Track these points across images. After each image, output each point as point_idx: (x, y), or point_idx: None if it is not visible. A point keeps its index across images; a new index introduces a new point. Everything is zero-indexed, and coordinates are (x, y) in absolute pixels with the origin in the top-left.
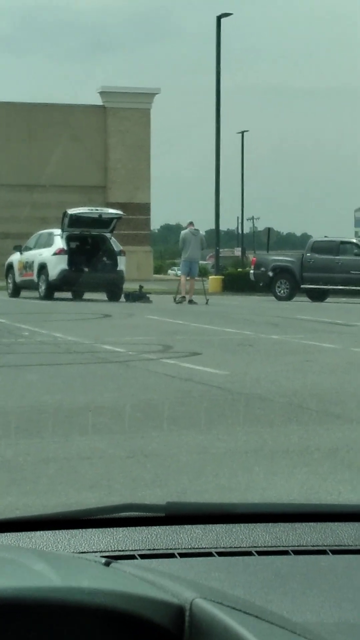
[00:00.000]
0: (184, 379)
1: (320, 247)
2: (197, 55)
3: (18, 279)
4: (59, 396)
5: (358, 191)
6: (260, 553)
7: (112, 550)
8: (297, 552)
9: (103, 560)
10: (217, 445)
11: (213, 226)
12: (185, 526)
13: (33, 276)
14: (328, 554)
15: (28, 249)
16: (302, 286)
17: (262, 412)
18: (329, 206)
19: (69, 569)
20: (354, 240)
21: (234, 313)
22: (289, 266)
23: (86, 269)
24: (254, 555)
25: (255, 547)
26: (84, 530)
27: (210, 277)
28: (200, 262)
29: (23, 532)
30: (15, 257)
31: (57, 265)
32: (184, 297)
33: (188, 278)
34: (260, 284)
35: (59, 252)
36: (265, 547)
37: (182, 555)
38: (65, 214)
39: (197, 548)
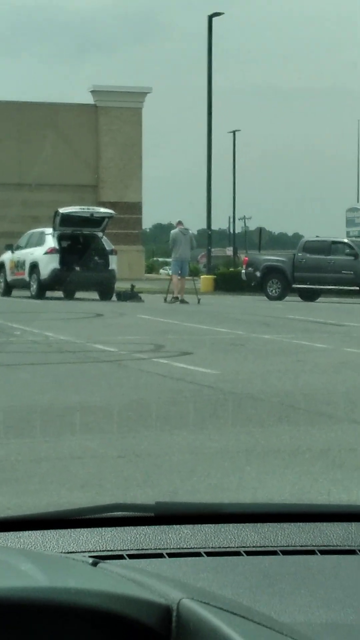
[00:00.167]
0: (176, 379)
1: (312, 247)
2: (189, 54)
3: (9, 278)
4: (51, 395)
5: (350, 191)
6: (248, 553)
7: (100, 550)
8: (285, 553)
9: (90, 560)
10: (209, 445)
11: (205, 225)
12: (174, 526)
13: (24, 275)
14: (316, 554)
15: (19, 248)
16: (293, 286)
17: (254, 411)
18: (320, 206)
19: (56, 569)
20: (346, 240)
21: (225, 312)
22: (280, 266)
23: (78, 268)
24: (243, 555)
25: (243, 547)
26: (72, 530)
27: (202, 276)
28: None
29: (11, 532)
30: (7, 256)
31: (48, 265)
32: (176, 297)
33: (179, 277)
34: (252, 284)
35: (51, 251)
36: (253, 547)
37: (170, 555)
38: (56, 213)
39: (185, 548)
